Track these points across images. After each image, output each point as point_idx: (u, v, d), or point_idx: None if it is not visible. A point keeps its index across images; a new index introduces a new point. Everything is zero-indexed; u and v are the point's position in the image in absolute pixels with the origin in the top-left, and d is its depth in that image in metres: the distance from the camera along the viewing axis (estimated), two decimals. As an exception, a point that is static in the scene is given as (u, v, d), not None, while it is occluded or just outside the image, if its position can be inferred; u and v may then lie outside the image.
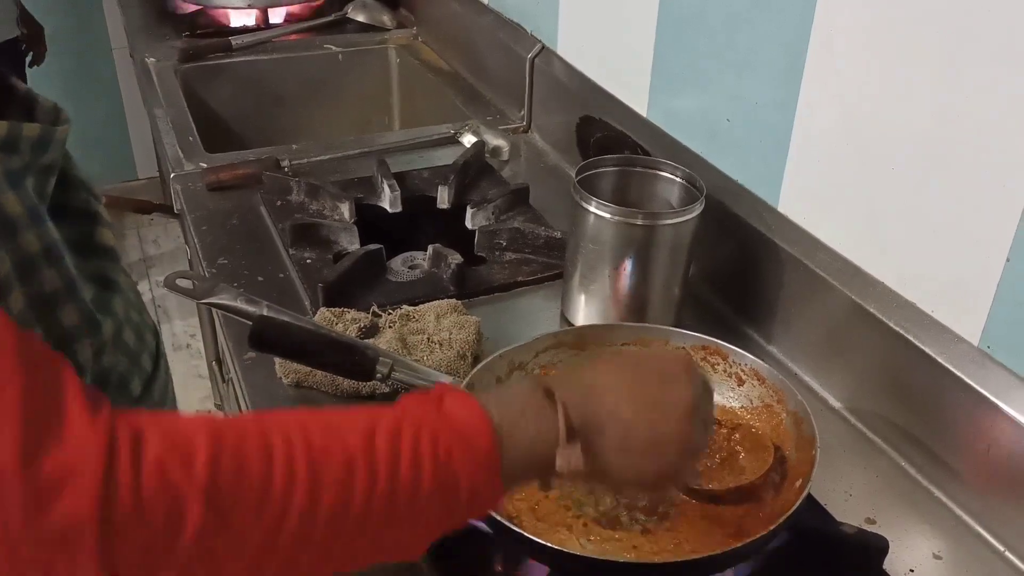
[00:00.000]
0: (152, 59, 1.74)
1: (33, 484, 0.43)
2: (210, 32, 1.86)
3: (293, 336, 0.74)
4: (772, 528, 0.65)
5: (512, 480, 0.55)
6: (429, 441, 0.51)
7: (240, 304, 0.78)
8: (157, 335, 0.71)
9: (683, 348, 0.63)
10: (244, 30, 1.88)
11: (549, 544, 0.65)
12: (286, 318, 0.78)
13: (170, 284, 0.77)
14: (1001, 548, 0.77)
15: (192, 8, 1.91)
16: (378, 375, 0.75)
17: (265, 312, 0.78)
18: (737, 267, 1.05)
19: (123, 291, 0.66)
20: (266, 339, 0.73)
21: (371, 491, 0.49)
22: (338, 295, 1.01)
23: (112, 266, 0.66)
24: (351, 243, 1.15)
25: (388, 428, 0.51)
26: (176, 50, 1.74)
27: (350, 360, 0.74)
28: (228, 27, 1.89)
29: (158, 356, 0.70)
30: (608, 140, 1.28)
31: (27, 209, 0.56)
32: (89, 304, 0.60)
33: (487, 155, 1.40)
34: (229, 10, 1.91)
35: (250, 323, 0.76)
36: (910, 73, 0.81)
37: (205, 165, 1.33)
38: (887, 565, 0.73)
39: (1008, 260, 0.75)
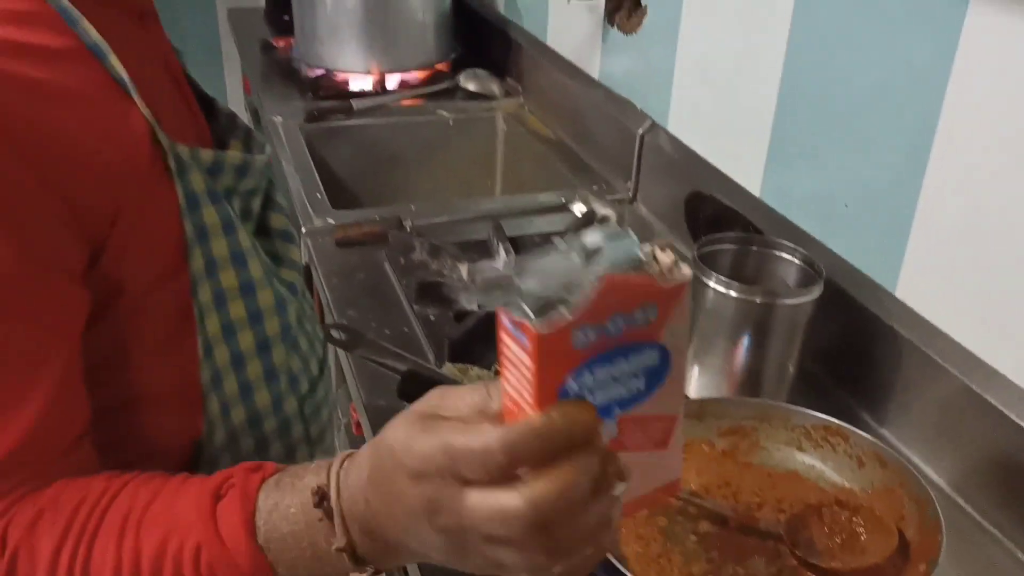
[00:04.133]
0: (278, 118, 1.85)
1: None
2: (331, 95, 1.98)
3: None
4: (902, 610, 0.66)
5: None
6: (191, 557, 0.53)
7: (388, 358, 0.84)
8: (324, 346, 0.79)
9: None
10: (362, 94, 1.99)
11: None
12: (429, 373, 0.84)
13: (326, 335, 0.83)
14: None
15: (317, 72, 2.03)
16: (515, 433, 0.80)
17: (410, 367, 0.83)
18: (851, 348, 1.07)
19: (300, 301, 0.76)
20: (415, 391, 0.78)
21: None
22: (462, 351, 1.06)
23: (296, 276, 0.77)
24: (471, 302, 1.20)
25: (160, 536, 0.54)
26: (302, 110, 1.86)
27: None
28: (348, 91, 2.01)
29: (324, 363, 0.77)
30: (718, 216, 1.32)
31: (221, 220, 0.66)
32: (260, 304, 0.70)
33: (596, 224, 1.46)
34: (350, 75, 2.03)
35: (396, 374, 0.81)
36: (1040, 172, 0.84)
37: (332, 221, 1.41)
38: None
39: None
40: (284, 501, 0.53)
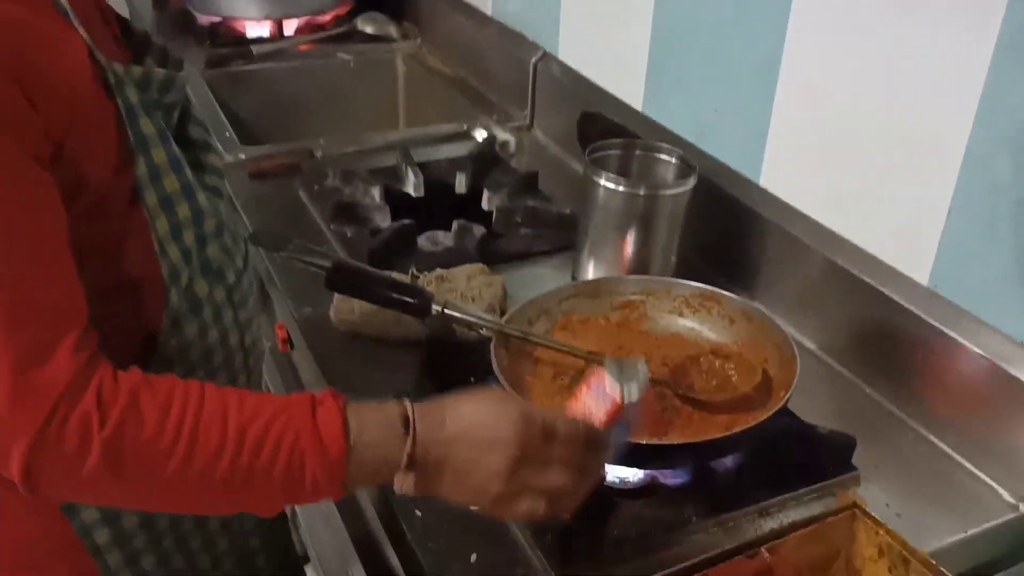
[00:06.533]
0: (179, 65, 1.88)
1: (19, 388, 0.60)
2: (229, 42, 2.01)
3: (365, 277, 0.88)
4: (761, 420, 0.80)
5: (354, 484, 0.67)
6: (290, 439, 0.64)
7: (314, 256, 0.92)
8: (246, 242, 0.88)
9: (534, 414, 0.69)
10: (260, 40, 2.03)
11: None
12: (352, 265, 0.93)
13: (255, 239, 0.91)
14: (948, 450, 0.94)
15: (212, 19, 2.05)
16: (434, 311, 0.90)
17: (336, 261, 0.92)
18: (725, 237, 1.21)
19: (225, 201, 0.84)
20: (342, 280, 0.87)
21: (233, 465, 0.63)
22: (381, 260, 1.16)
23: (219, 181, 0.85)
24: (383, 221, 1.30)
25: (265, 419, 0.65)
26: (201, 58, 1.89)
27: (412, 299, 0.88)
28: (245, 37, 2.04)
29: (247, 257, 0.87)
30: (608, 132, 1.43)
31: (157, 131, 0.74)
32: (200, 204, 0.77)
33: (496, 148, 1.56)
34: (246, 21, 2.06)
35: (322, 272, 0.90)
36: (864, 73, 0.99)
37: (244, 156, 1.47)
38: (855, 461, 0.89)
39: (949, 213, 0.92)
40: (372, 416, 0.67)
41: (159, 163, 0.74)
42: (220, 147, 1.51)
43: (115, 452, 0.61)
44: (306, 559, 1.82)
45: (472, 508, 0.70)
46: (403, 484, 0.67)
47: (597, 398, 0.74)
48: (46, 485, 0.63)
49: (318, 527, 1.30)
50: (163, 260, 0.75)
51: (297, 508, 1.46)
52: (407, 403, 0.68)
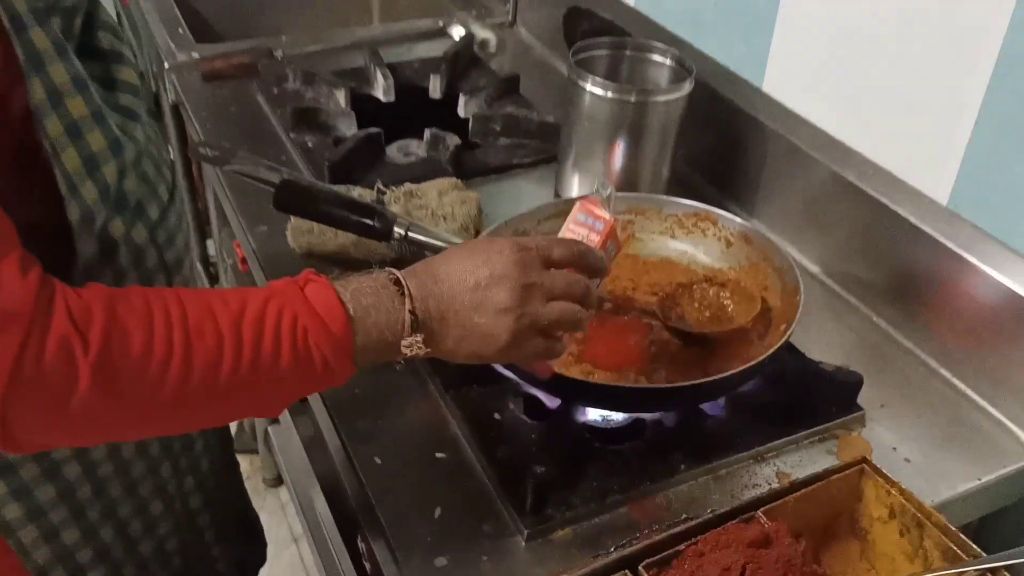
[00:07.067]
0: (130, -46, 1.71)
1: None
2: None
3: (317, 197, 0.78)
4: (760, 359, 0.72)
5: (363, 358, 0.61)
6: (290, 321, 0.57)
7: (261, 171, 0.82)
8: (173, 171, 0.76)
9: (526, 248, 0.64)
10: (221, -74, 1.85)
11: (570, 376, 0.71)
12: (305, 182, 0.82)
13: (193, 152, 0.80)
14: (962, 386, 0.86)
15: (167, -98, 1.87)
16: (396, 235, 0.80)
17: (285, 177, 0.81)
18: (722, 148, 1.10)
19: (144, 124, 0.71)
20: (291, 200, 0.77)
21: (237, 363, 0.56)
22: (343, 174, 1.05)
23: (135, 100, 0.71)
24: (349, 128, 1.18)
25: (256, 308, 0.57)
26: (154, -55, 1.72)
27: (371, 220, 0.78)
28: (204, -77, 1.86)
29: (174, 188, 0.75)
30: (596, 31, 1.30)
31: (53, 43, 0.60)
32: (115, 130, 0.65)
33: (475, 48, 1.43)
34: (204, -95, 1.88)
35: (271, 189, 0.80)
36: (892, -51, 0.86)
37: (197, 55, 1.34)
38: (861, 399, 0.81)
39: (976, 123, 0.81)
40: (362, 284, 0.61)
41: (60, 84, 0.61)
42: (171, 45, 1.38)
43: (106, 376, 0.53)
44: (278, 482, 1.79)
45: (486, 361, 0.66)
46: (412, 346, 0.62)
47: (590, 224, 0.75)
48: (24, 432, 0.53)
49: (290, 448, 1.23)
50: (73, 202, 0.62)
51: (269, 429, 1.40)
52: (392, 269, 0.63)
